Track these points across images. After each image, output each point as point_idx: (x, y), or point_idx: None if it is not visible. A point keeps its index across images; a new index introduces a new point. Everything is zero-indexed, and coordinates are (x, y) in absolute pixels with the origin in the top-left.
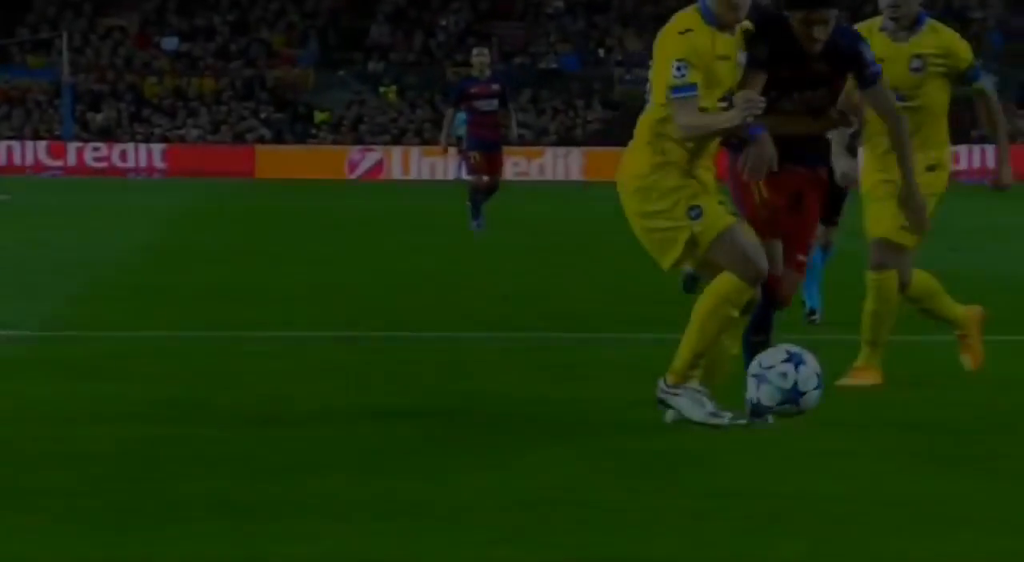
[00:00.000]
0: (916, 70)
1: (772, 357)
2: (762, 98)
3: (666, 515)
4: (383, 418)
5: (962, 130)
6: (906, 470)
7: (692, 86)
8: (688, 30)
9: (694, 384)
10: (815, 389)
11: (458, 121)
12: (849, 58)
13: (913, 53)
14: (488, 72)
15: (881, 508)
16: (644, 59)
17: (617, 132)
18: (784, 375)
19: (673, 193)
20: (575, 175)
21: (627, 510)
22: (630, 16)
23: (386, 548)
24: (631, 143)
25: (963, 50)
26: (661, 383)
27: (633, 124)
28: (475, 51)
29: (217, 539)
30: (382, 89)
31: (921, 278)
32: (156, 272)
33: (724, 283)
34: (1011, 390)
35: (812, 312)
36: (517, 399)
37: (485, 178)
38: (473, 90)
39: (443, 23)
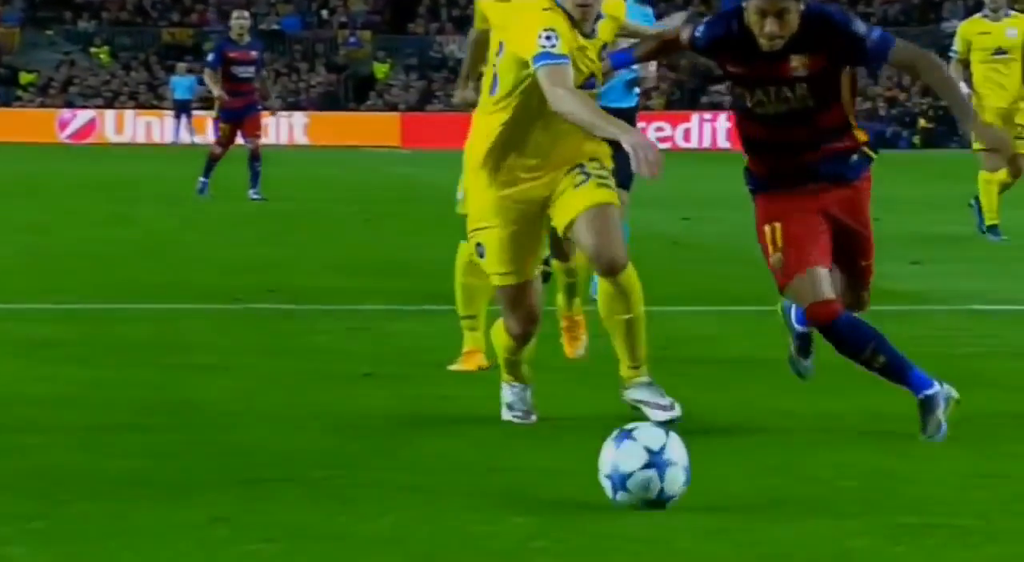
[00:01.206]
0: None
1: (630, 459)
2: (657, 152)
3: (390, 491)
4: (98, 390)
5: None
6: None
7: (563, 56)
8: (549, 8)
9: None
10: (684, 485)
11: (174, 84)
12: (834, 41)
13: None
14: (248, 37)
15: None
16: (370, 21)
17: (341, 96)
18: (646, 486)
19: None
20: (299, 139)
21: (349, 486)
22: None
23: (99, 526)
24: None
25: None
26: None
27: (359, 88)
28: (235, 14)
29: None
30: (93, 50)
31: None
32: None
33: (499, 335)
34: (746, 365)
35: None
36: (234, 372)
37: (221, 150)
38: (232, 55)
39: None
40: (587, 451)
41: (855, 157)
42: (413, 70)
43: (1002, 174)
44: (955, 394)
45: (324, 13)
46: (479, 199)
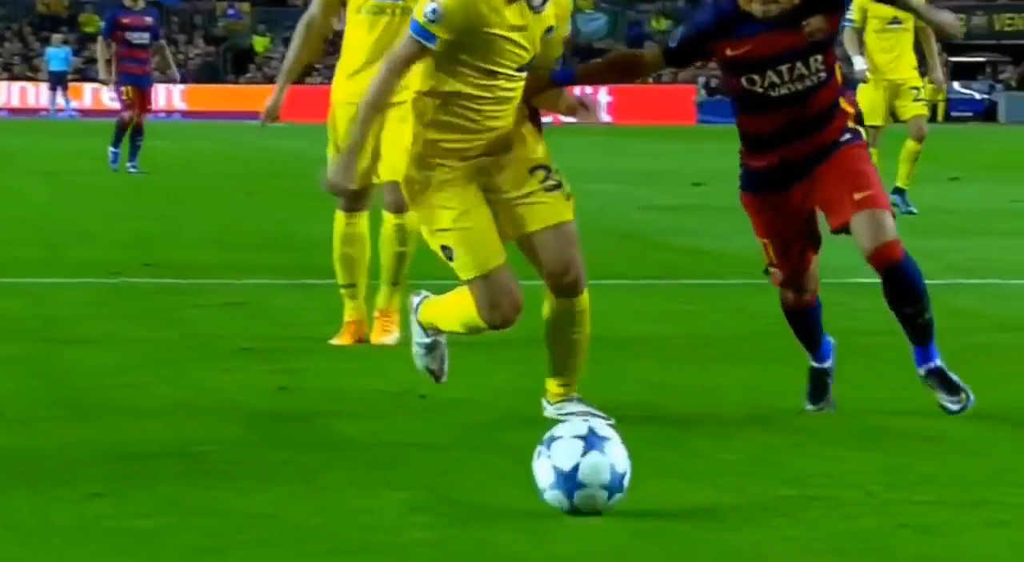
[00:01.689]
0: None
1: (568, 428)
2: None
3: (269, 467)
4: None
5: None
6: (508, 423)
7: (432, 36)
8: None
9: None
10: (602, 488)
11: (49, 56)
12: (834, 3)
13: None
14: (142, 3)
15: (491, 456)
16: None
17: (220, 68)
18: (569, 454)
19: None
20: (178, 110)
21: (228, 461)
22: None
23: None
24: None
25: None
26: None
27: (238, 60)
28: None
29: None
30: None
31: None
32: None
33: (469, 309)
34: (624, 340)
35: None
36: (110, 347)
37: (133, 114)
38: (125, 20)
39: None
40: (466, 425)
41: (847, 135)
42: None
43: (909, 144)
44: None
45: None
46: (433, 194)
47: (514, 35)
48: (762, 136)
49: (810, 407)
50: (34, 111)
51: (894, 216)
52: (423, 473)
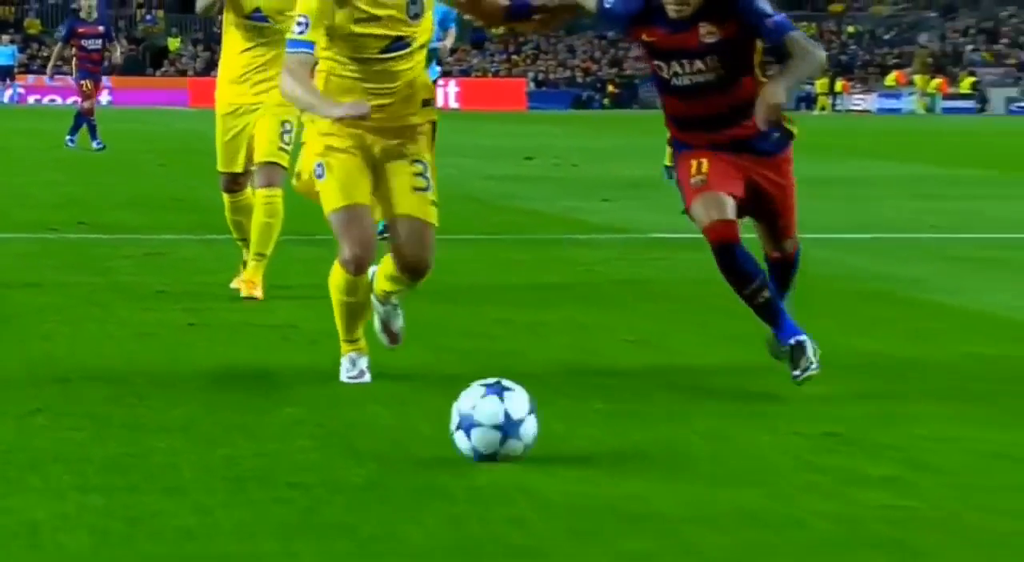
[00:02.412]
0: None
1: (469, 398)
2: (367, 108)
3: (180, 388)
4: None
5: None
6: (375, 351)
7: (307, 43)
8: None
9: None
10: (530, 414)
11: None
12: (738, 14)
13: None
14: (95, 15)
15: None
16: (163, 1)
17: (140, 63)
18: (493, 412)
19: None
20: (104, 100)
21: (145, 383)
22: None
23: None
24: None
25: None
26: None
27: (155, 57)
28: None
29: None
30: None
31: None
32: None
33: (333, 273)
34: (474, 287)
35: None
36: (49, 289)
37: (91, 104)
38: (81, 30)
39: None
40: (338, 354)
41: (776, 135)
42: (200, 43)
43: None
44: (816, 345)
45: None
46: (324, 128)
47: (371, 27)
48: (677, 116)
49: (796, 373)
50: None
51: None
52: (306, 393)
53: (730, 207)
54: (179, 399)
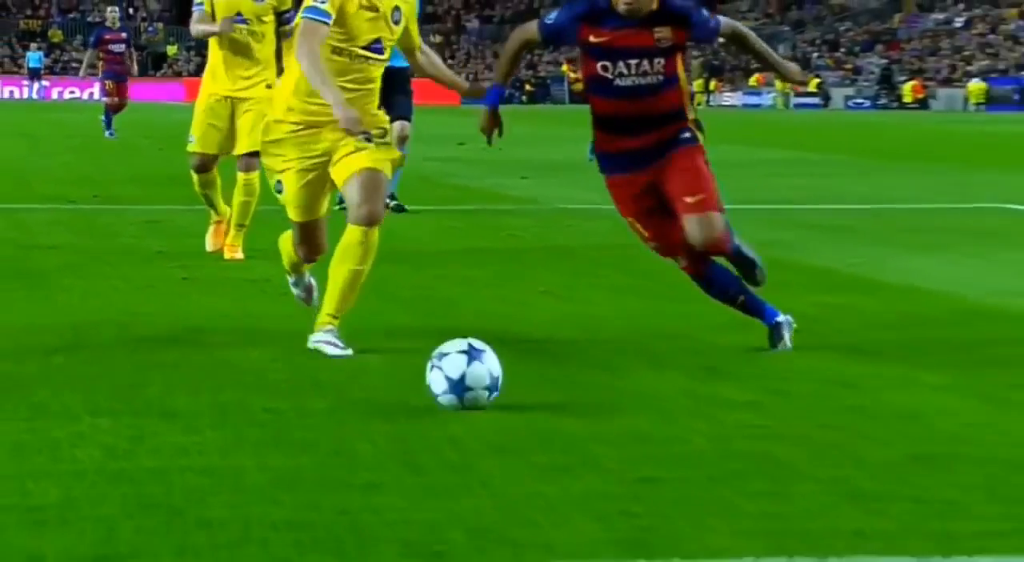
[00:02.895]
0: None
1: (452, 345)
2: (359, 122)
3: (181, 330)
4: None
5: None
6: None
7: (326, 13)
8: None
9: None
10: (484, 389)
11: (28, 57)
12: (686, 19)
13: None
14: (119, 24)
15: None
16: (162, 16)
17: (144, 66)
18: (456, 366)
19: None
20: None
21: (154, 326)
22: None
23: None
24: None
25: None
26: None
27: (156, 61)
28: (108, 9)
29: None
30: None
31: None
32: None
33: (286, 246)
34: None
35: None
36: (65, 250)
37: (115, 100)
38: (107, 37)
39: None
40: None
41: (686, 134)
42: (192, 49)
43: None
44: (793, 322)
45: (131, 10)
46: (281, 146)
47: (368, 17)
48: (608, 117)
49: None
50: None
51: (723, 210)
52: (279, 335)
53: (684, 251)
54: (173, 340)
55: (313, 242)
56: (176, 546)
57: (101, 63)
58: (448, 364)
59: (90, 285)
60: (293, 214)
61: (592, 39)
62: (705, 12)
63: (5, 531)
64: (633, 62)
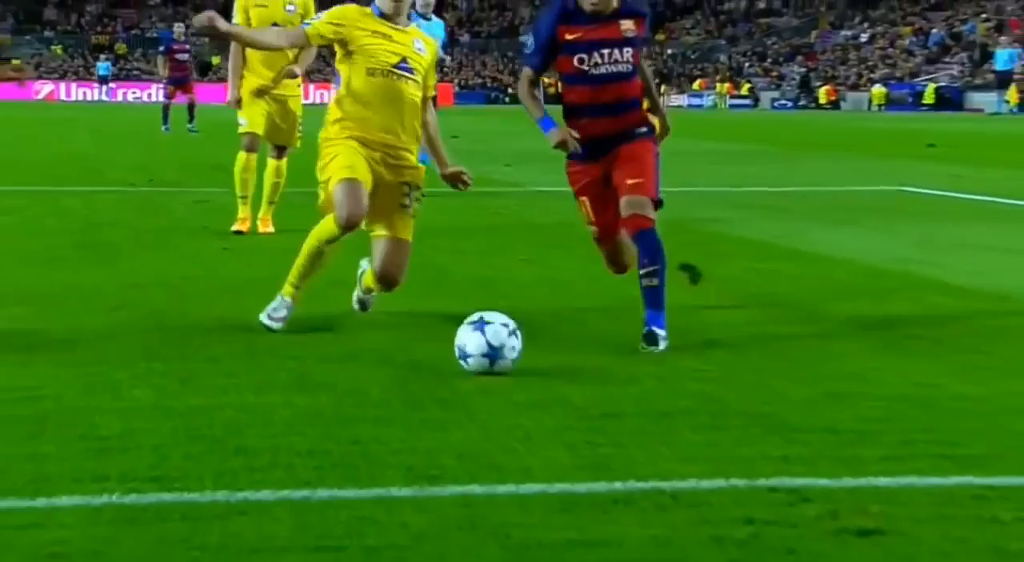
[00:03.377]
0: None
1: (497, 317)
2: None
3: (219, 291)
4: (40, 238)
5: None
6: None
7: (314, 30)
8: (347, 5)
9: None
10: (510, 335)
11: (98, 67)
12: (642, 15)
13: None
14: (183, 37)
15: (335, 289)
16: (140, 22)
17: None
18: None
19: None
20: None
21: (200, 286)
22: None
23: None
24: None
25: None
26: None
27: (202, 69)
28: (176, 25)
29: None
30: (52, 47)
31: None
32: None
33: (324, 224)
34: None
35: None
36: (124, 227)
37: (172, 102)
38: (175, 47)
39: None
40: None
41: (643, 129)
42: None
43: None
44: (667, 339)
45: (186, 26)
46: (330, 147)
47: (379, 41)
48: (582, 105)
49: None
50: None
51: (658, 204)
52: (305, 295)
53: (622, 243)
54: (215, 299)
55: (358, 202)
56: (216, 470)
57: (167, 69)
58: (491, 332)
59: (146, 254)
60: (340, 173)
61: (568, 37)
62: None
63: (77, 456)
64: (606, 51)
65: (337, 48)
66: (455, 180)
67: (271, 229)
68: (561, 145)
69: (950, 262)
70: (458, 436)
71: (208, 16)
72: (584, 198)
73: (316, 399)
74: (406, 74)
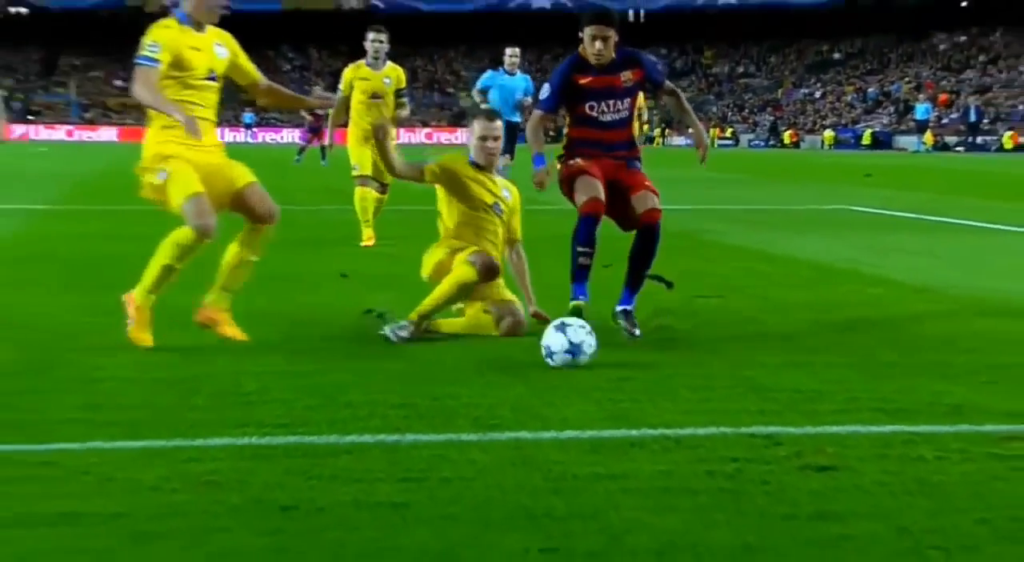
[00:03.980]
0: None
1: (576, 322)
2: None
3: (258, 282)
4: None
5: None
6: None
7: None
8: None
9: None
10: (588, 334)
11: (245, 117)
12: (639, 65)
13: None
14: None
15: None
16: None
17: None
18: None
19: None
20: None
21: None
22: None
23: None
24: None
25: None
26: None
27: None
28: (315, 87)
29: None
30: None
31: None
32: None
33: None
34: None
35: None
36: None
37: (309, 145)
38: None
39: None
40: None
41: (636, 164)
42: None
43: None
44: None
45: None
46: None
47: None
48: (583, 140)
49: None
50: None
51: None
52: (402, 282)
53: (600, 190)
54: (258, 290)
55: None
56: (329, 419)
57: (310, 118)
58: (572, 332)
59: (274, 255)
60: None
61: (581, 82)
62: (653, 58)
63: (224, 408)
64: (611, 102)
65: None
66: (537, 318)
67: (372, 242)
68: (539, 184)
69: (886, 262)
70: (512, 394)
71: (385, 129)
72: (590, 170)
73: (404, 365)
74: None
